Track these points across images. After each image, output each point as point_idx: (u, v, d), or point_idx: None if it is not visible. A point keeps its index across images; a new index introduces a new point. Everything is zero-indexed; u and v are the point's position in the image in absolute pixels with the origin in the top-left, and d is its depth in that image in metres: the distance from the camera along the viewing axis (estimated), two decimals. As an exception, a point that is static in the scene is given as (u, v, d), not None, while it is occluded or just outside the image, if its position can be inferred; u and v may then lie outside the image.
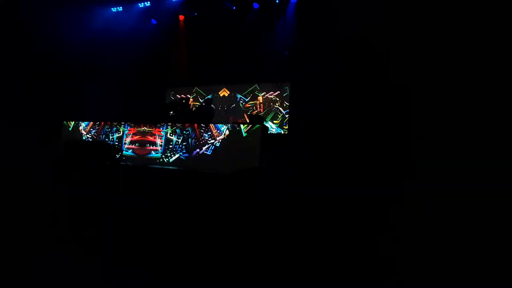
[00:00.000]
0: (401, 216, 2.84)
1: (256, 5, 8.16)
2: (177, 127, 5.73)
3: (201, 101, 7.29)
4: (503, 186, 2.73)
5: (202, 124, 5.54)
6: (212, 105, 6.68)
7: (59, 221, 2.79)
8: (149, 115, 6.70)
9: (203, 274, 2.08)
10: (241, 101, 8.33)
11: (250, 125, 5.12)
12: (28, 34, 7.45)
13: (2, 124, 6.15)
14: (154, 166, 5.54)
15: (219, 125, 5.43)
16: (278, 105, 7.88)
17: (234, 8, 8.31)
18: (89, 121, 6.74)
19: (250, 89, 8.25)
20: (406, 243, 2.48)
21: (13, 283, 1.79)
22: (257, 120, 5.55)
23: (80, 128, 6.80)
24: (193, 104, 8.65)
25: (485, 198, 2.72)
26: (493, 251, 2.23)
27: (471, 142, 3.18)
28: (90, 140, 6.43)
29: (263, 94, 8.10)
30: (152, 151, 5.85)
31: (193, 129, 5.61)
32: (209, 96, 8.49)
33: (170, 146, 5.71)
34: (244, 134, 5.10)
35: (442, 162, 3.34)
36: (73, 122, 6.97)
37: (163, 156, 5.72)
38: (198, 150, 5.43)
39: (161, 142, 5.80)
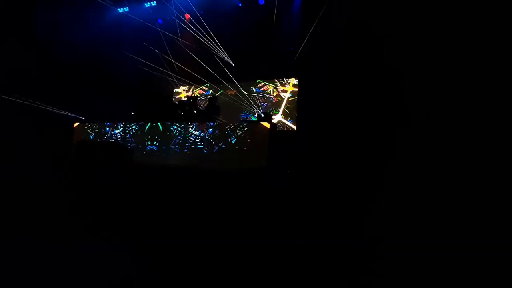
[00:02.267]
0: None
1: (261, 1, 8.13)
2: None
3: (203, 99, 7.35)
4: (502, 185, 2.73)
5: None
6: (216, 103, 6.75)
7: (68, 219, 2.85)
8: (157, 114, 6.79)
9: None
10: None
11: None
12: (36, 35, 7.60)
13: (16, 125, 6.33)
14: (166, 165, 5.63)
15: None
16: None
17: (239, 4, 8.30)
18: (99, 121, 6.87)
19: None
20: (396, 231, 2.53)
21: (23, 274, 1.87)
22: (265, 119, 5.58)
23: (92, 129, 6.94)
24: (202, 102, 8.72)
25: (483, 196, 2.72)
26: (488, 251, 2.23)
27: (471, 138, 3.16)
28: (102, 141, 6.56)
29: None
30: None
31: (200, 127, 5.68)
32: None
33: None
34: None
35: (439, 155, 3.34)
36: (85, 123, 7.12)
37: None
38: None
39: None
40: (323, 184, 3.87)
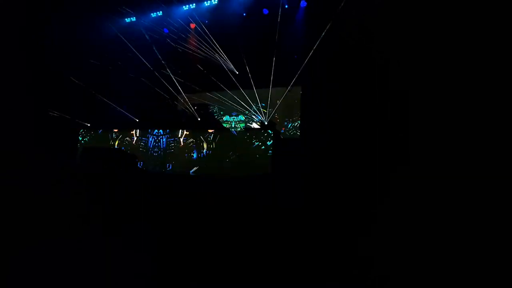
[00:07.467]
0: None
1: (265, 11, 8.26)
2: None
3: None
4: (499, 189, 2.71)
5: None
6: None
7: (69, 222, 2.82)
8: (163, 120, 6.85)
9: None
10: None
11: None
12: (44, 42, 7.78)
13: (23, 129, 6.40)
14: (170, 173, 5.64)
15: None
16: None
17: (244, 14, 8.44)
18: (104, 128, 6.93)
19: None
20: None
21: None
22: (270, 126, 5.61)
23: (96, 135, 7.00)
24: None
25: (480, 200, 2.70)
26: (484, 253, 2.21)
27: (469, 144, 3.16)
28: (107, 147, 6.60)
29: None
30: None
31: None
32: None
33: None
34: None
35: (438, 161, 3.34)
36: (91, 129, 7.18)
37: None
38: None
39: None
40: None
